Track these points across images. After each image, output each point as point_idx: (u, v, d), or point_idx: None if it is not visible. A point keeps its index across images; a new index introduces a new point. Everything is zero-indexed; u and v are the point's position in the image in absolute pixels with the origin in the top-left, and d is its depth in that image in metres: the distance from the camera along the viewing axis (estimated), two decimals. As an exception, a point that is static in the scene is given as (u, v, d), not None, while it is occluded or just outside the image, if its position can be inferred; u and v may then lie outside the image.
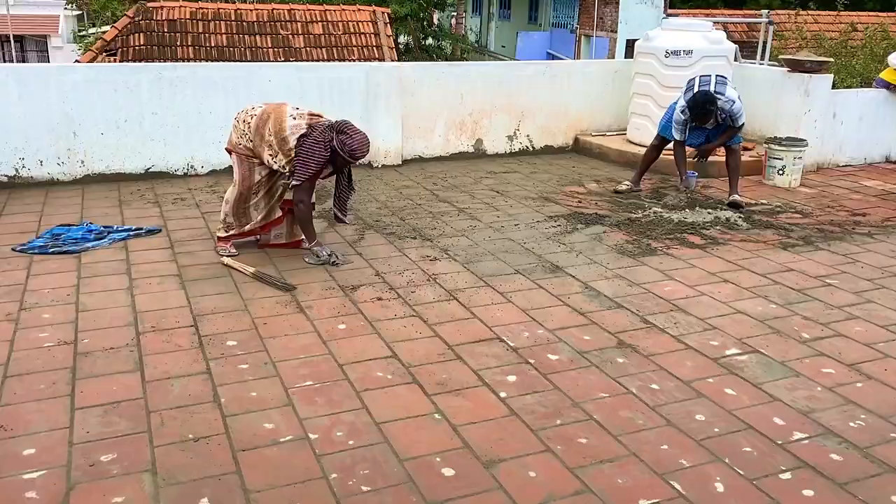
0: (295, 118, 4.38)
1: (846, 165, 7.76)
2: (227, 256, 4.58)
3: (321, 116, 4.48)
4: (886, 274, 4.61)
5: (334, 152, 4.31)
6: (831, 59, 8.05)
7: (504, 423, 2.91)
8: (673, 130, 5.97)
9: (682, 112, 5.82)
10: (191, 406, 2.98)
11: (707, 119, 5.77)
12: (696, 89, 5.82)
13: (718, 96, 5.71)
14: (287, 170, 4.42)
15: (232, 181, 4.65)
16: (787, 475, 2.63)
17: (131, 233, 5.04)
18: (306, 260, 4.56)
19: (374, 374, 3.26)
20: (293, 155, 4.34)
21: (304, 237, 4.73)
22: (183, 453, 2.68)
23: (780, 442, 2.82)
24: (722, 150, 6.22)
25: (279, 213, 4.72)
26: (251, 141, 4.44)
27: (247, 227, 4.68)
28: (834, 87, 7.61)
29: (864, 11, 20.75)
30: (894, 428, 2.93)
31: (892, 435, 2.89)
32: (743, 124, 5.97)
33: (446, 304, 4.03)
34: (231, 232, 4.68)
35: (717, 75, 5.93)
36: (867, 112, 7.74)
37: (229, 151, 4.62)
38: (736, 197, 5.99)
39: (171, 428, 2.83)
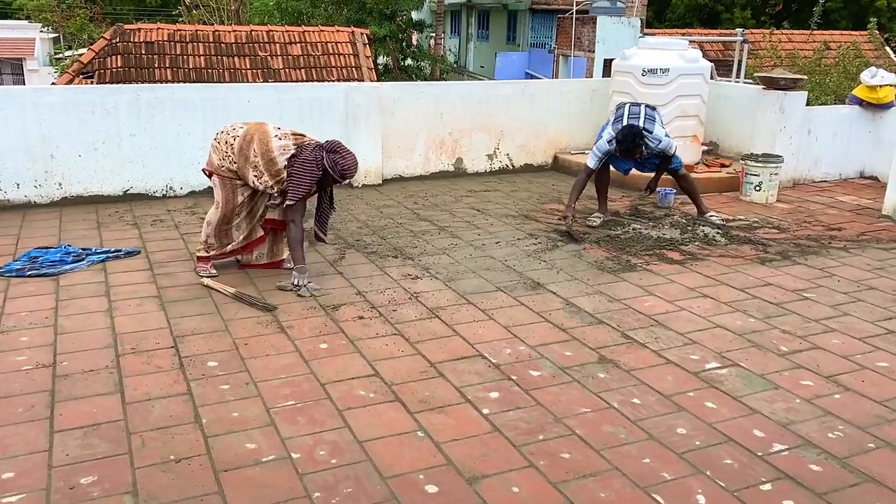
0: (280, 138, 4.40)
1: (821, 181, 7.89)
2: (207, 277, 4.56)
3: (304, 136, 4.50)
4: (862, 287, 4.69)
5: (325, 171, 4.34)
6: (805, 77, 8.23)
7: (487, 440, 2.92)
8: (590, 157, 5.87)
9: (609, 143, 5.74)
10: (172, 427, 2.96)
11: (634, 153, 5.71)
12: (624, 121, 5.74)
13: (646, 133, 5.65)
14: (275, 190, 4.42)
15: (213, 202, 4.64)
16: (767, 486, 2.65)
17: (110, 255, 5.00)
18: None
19: (357, 393, 3.26)
20: (283, 175, 4.35)
21: (284, 257, 4.72)
22: (164, 474, 2.65)
23: (760, 454, 2.85)
24: (670, 177, 6.18)
25: (260, 233, 4.71)
26: (234, 163, 4.44)
27: (228, 248, 4.67)
28: (808, 104, 7.76)
29: (836, 30, 21.21)
30: (872, 438, 2.97)
31: (871, 445, 2.92)
32: (674, 153, 5.88)
33: (428, 322, 4.03)
34: (212, 252, 4.66)
35: (646, 107, 5.85)
36: (841, 128, 7.90)
37: (209, 174, 4.60)
38: (709, 214, 6.07)
39: (151, 449, 2.81)
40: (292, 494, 2.57)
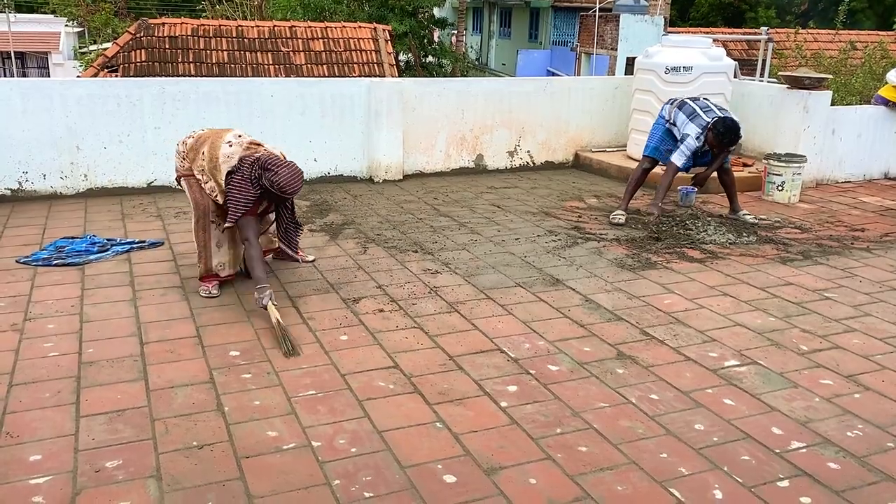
0: (231, 145, 4.10)
1: (845, 181, 7.82)
2: (207, 297, 4.26)
3: (260, 146, 4.19)
4: (885, 288, 4.65)
5: (265, 188, 4.04)
6: (830, 76, 8.14)
7: (505, 432, 2.94)
8: (678, 156, 5.82)
9: (698, 139, 5.71)
10: (194, 414, 3.01)
11: (732, 145, 5.70)
12: (703, 117, 5.71)
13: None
14: (217, 198, 4.17)
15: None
16: (784, 483, 2.65)
17: (134, 245, 5.08)
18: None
19: (376, 384, 3.29)
20: (223, 187, 4.09)
21: (288, 253, 4.54)
22: (187, 460, 2.71)
23: (777, 451, 2.85)
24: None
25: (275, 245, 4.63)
26: (185, 158, 4.26)
27: (215, 267, 4.33)
28: (833, 104, 7.68)
29: (862, 30, 20.95)
30: (891, 437, 2.96)
31: (889, 444, 2.91)
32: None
33: (447, 316, 4.06)
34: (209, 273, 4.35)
35: (703, 99, 5.91)
36: (866, 129, 7.81)
37: (178, 180, 4.42)
38: (742, 213, 6.05)
39: (175, 435, 2.86)
40: (313, 481, 2.61)
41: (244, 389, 3.22)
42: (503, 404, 3.15)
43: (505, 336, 3.82)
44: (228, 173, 4.06)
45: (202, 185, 4.21)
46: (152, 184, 6.63)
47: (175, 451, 2.76)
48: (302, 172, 4.13)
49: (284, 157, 4.17)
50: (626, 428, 2.99)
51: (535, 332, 3.87)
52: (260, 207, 4.25)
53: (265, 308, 3.89)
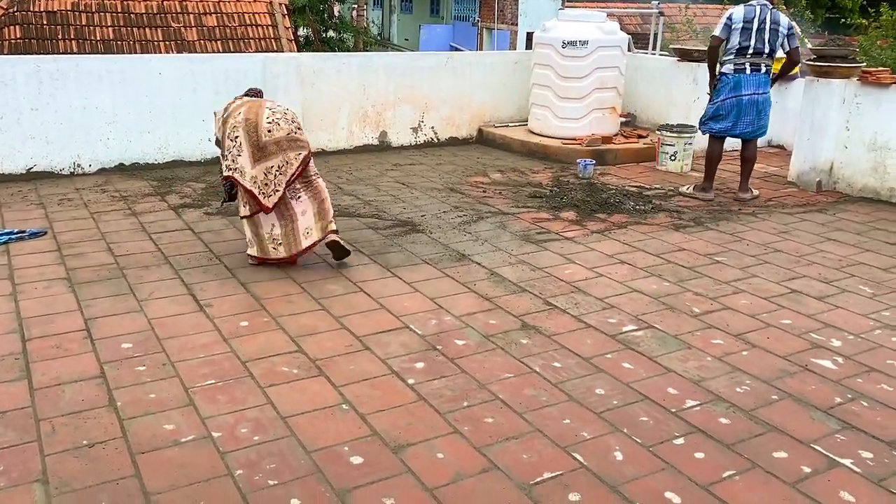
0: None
1: (732, 150, 8.17)
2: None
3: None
4: (769, 250, 4.91)
5: None
6: (715, 49, 8.45)
7: (412, 409, 2.93)
8: (716, 29, 5.76)
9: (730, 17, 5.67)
10: (84, 412, 2.85)
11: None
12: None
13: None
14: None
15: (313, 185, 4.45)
16: (680, 440, 2.77)
17: (13, 236, 4.75)
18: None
19: (279, 370, 3.21)
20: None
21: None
22: (77, 460, 2.56)
23: (673, 410, 2.97)
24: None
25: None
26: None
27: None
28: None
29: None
30: (776, 391, 3.13)
31: (774, 397, 3.08)
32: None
33: (353, 297, 4.01)
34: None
35: None
36: (749, 99, 8.17)
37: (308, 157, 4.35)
38: (742, 195, 6.04)
39: (63, 435, 2.70)
40: (214, 473, 2.52)
41: (138, 382, 3.08)
42: (410, 381, 3.14)
43: (412, 314, 3.81)
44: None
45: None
46: (32, 169, 6.20)
47: (63, 452, 2.61)
48: None
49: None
50: (531, 397, 3.04)
51: (442, 308, 3.88)
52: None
53: None
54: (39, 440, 2.67)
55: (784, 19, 5.75)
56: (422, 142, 7.95)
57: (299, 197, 4.35)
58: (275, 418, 2.84)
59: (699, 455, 2.68)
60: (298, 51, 14.74)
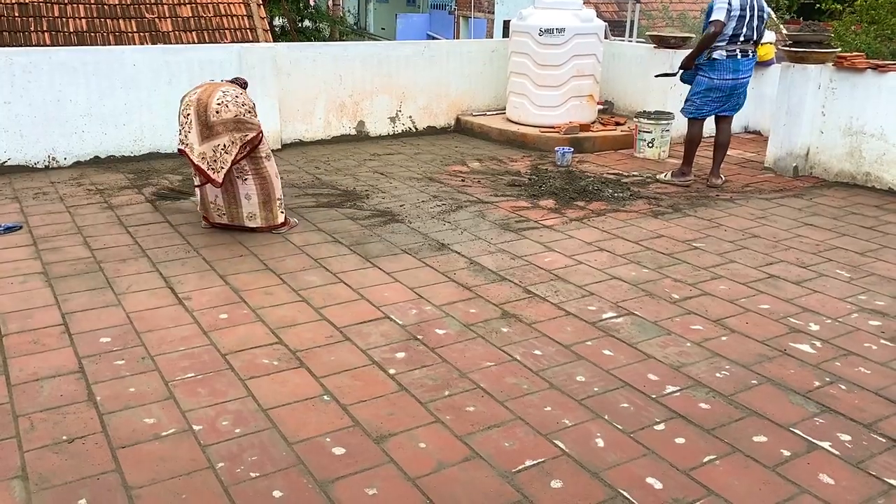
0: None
1: (709, 136, 8.23)
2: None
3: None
4: (747, 235, 4.96)
5: None
6: (694, 35, 8.50)
7: (394, 399, 2.94)
8: (715, 13, 5.66)
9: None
10: (63, 407, 2.83)
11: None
12: None
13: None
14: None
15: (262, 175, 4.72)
16: (660, 426, 2.80)
17: (-13, 231, 4.68)
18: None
19: (260, 362, 3.20)
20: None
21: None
22: (56, 456, 2.54)
23: (654, 396, 3.00)
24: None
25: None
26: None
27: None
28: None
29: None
30: (755, 375, 3.18)
31: (753, 382, 3.12)
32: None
33: (333, 287, 3.99)
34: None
35: None
36: (726, 86, 8.22)
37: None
38: (715, 180, 6.08)
39: (41, 431, 2.67)
40: (195, 466, 2.51)
41: (117, 377, 3.05)
42: (392, 371, 3.14)
43: (392, 303, 3.81)
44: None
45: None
46: (5, 164, 6.10)
47: (43, 448, 2.58)
48: None
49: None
50: (512, 385, 3.05)
51: (423, 298, 3.88)
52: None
53: None
54: (18, 436, 2.64)
55: (766, 6, 5.84)
56: (400, 131, 7.92)
57: (245, 179, 4.67)
58: (256, 410, 2.83)
59: (680, 440, 2.71)
60: (275, 40, 14.62)
